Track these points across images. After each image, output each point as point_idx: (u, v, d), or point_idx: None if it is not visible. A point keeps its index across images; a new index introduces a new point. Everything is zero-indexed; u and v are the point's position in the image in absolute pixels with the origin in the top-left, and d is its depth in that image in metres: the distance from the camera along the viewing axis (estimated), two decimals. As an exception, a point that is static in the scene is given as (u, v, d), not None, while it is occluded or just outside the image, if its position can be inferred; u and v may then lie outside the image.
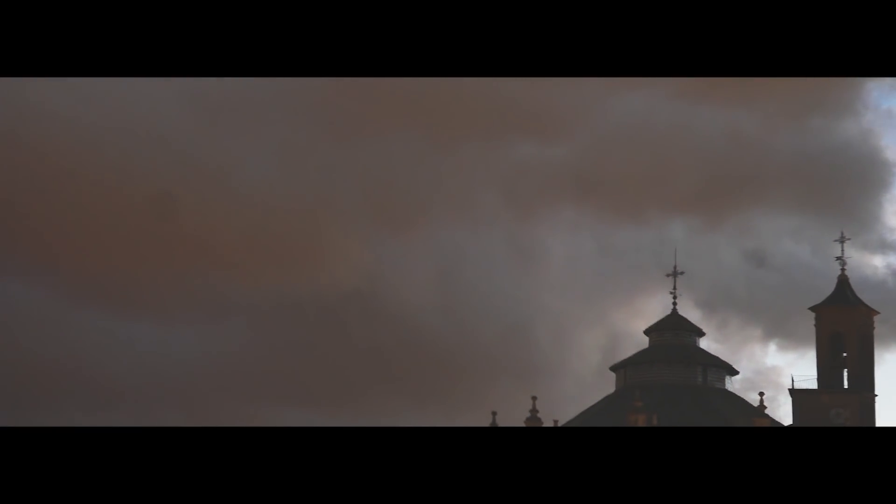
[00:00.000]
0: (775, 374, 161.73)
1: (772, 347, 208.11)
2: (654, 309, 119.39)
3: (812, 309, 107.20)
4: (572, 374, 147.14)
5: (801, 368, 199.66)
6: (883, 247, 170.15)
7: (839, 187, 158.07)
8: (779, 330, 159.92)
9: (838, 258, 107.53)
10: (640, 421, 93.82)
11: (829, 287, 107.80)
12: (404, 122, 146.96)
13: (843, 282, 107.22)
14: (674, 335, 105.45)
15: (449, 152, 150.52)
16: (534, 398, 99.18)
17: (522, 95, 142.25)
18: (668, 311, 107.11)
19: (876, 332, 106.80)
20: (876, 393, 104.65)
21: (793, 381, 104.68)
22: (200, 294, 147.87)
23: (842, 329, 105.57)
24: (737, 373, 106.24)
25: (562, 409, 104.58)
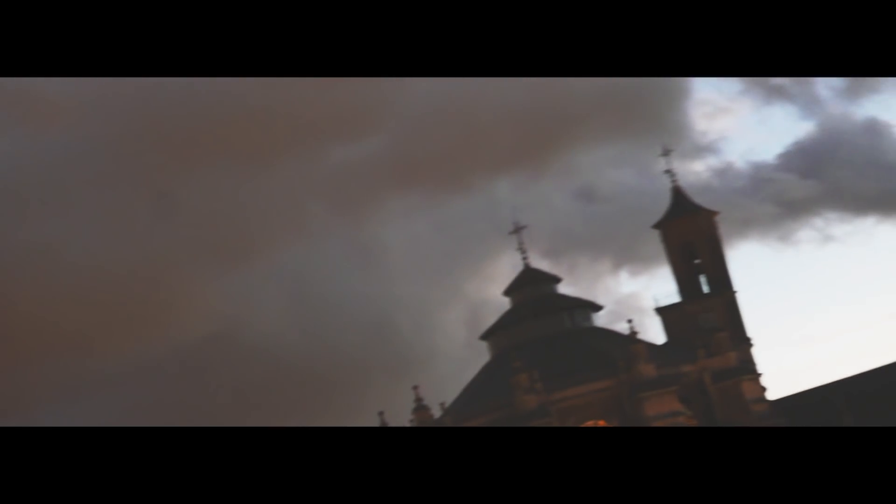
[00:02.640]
0: (635, 299, 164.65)
1: (624, 276, 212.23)
2: (505, 270, 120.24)
3: (655, 227, 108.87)
4: (445, 354, 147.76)
5: (659, 287, 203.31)
6: (699, 150, 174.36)
7: (644, 106, 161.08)
8: (626, 257, 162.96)
9: (667, 171, 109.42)
10: (524, 380, 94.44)
11: (663, 202, 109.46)
12: (213, 157, 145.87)
13: (677, 192, 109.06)
14: (533, 289, 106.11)
15: (267, 175, 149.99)
16: (415, 388, 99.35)
17: (323, 102, 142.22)
18: (521, 268, 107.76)
19: (720, 231, 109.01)
20: (735, 290, 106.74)
21: (656, 300, 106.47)
22: (60, 379, 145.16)
23: (689, 237, 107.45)
24: (601, 308, 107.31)
25: (445, 391, 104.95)
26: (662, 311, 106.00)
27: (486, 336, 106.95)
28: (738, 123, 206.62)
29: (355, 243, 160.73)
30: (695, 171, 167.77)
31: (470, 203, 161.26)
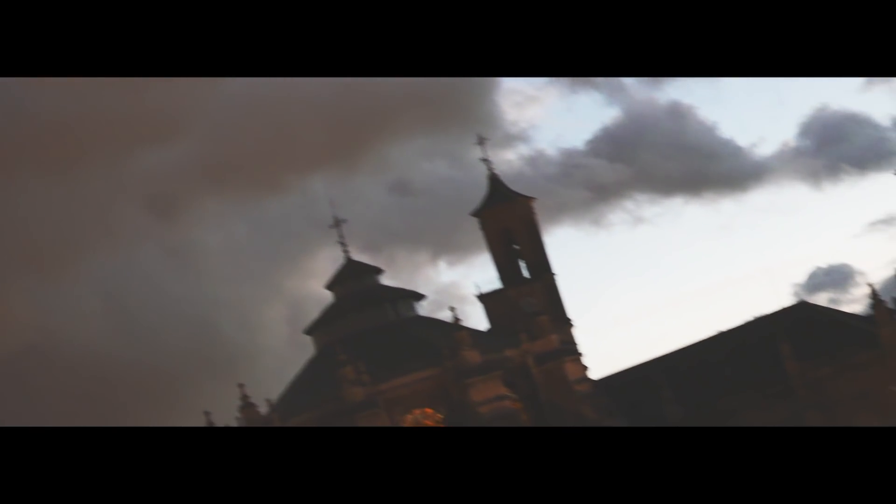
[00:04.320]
0: (456, 288, 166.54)
1: (443, 265, 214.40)
2: (326, 265, 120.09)
3: (474, 215, 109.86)
4: (269, 351, 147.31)
5: (479, 274, 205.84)
6: (510, 139, 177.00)
7: (454, 98, 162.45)
8: (445, 247, 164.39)
9: (484, 160, 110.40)
10: (350, 373, 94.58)
11: (479, 191, 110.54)
12: (14, 165, 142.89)
13: (494, 180, 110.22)
14: (355, 282, 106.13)
15: (77, 182, 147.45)
16: (241, 386, 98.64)
17: (127, 105, 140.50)
18: (342, 261, 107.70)
19: (537, 217, 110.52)
20: (554, 272, 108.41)
21: (477, 287, 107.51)
22: None
23: (507, 224, 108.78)
24: (423, 297, 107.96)
25: (271, 388, 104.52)
26: (484, 298, 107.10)
27: (310, 331, 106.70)
28: (546, 112, 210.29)
29: (171, 247, 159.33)
30: (507, 159, 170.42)
31: (286, 201, 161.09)
